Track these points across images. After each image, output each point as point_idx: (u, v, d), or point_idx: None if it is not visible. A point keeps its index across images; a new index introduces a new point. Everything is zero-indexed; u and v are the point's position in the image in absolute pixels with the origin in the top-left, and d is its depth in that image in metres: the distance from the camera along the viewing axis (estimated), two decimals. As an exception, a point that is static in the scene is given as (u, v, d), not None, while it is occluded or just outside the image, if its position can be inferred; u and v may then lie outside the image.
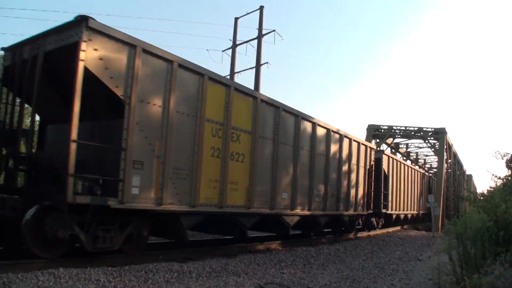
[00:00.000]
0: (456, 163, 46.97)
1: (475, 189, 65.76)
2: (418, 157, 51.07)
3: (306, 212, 14.00)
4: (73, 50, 7.47)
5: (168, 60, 9.02)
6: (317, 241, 15.85)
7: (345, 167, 16.79)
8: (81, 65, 7.39)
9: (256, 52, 28.38)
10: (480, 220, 6.79)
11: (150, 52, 8.63)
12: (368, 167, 19.26)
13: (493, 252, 6.47)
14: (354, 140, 17.58)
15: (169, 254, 9.71)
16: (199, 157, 9.62)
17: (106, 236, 8.12)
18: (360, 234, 19.87)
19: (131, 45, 8.25)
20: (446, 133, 37.13)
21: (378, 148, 25.64)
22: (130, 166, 8.07)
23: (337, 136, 16.14)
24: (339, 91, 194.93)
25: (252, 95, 11.69)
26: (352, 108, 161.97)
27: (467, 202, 26.00)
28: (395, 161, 25.02)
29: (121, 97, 8.03)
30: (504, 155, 10.12)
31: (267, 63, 28.78)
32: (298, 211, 13.48)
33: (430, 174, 44.16)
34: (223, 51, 30.97)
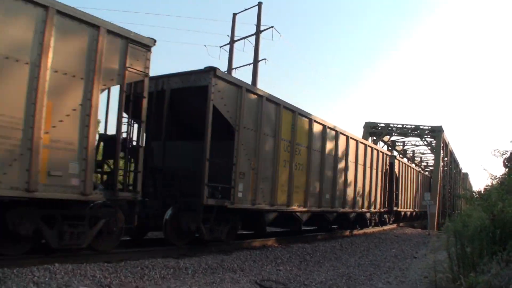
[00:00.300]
0: (453, 161, 47.12)
1: (471, 187, 65.96)
2: (415, 155, 51.18)
3: (340, 210, 16.92)
4: (201, 91, 10.29)
5: (259, 95, 12.05)
6: (313, 238, 15.91)
7: (368, 172, 20.06)
8: (210, 104, 10.21)
9: (254, 48, 28.30)
10: (479, 219, 6.80)
11: (250, 90, 11.77)
12: (384, 170, 22.78)
13: (490, 250, 6.47)
14: (375, 149, 21.65)
15: (165, 251, 9.70)
16: (277, 168, 12.63)
17: (219, 229, 10.97)
18: (356, 232, 19.92)
19: (239, 87, 11.20)
20: (443, 131, 37.23)
21: (391, 154, 26.76)
22: (238, 176, 11.05)
23: (364, 146, 19.79)
24: (338, 88, 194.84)
25: (308, 117, 14.56)
26: (350, 106, 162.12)
27: (463, 200, 26.09)
28: (403, 165, 29.00)
29: (232, 125, 10.94)
30: (503, 153, 10.12)
31: (265, 59, 28.74)
32: (335, 209, 16.50)
33: (426, 172, 44.30)
34: (221, 47, 30.87)
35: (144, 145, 9.36)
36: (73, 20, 7.60)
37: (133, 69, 8.68)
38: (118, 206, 8.60)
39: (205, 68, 10.42)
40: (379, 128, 38.83)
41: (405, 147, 47.05)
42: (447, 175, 42.86)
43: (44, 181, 7.06)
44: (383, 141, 39.73)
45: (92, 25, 7.86)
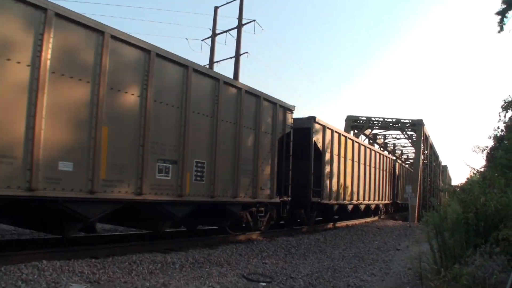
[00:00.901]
0: (433, 154, 47.72)
1: (450, 179, 67.08)
2: (396, 148, 51.72)
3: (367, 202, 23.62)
4: (307, 131, 16.08)
5: (330, 129, 17.86)
6: (297, 231, 16.04)
7: (378, 173, 25.66)
8: (312, 140, 16.21)
9: (236, 41, 28.24)
10: (454, 212, 6.99)
11: (329, 128, 17.64)
12: (389, 171, 25.90)
13: (473, 242, 6.63)
14: (387, 157, 29.22)
15: (152, 246, 9.70)
16: (341, 177, 19.13)
17: (313, 216, 17.00)
18: (339, 224, 20.12)
19: (324, 126, 17.11)
20: (424, 124, 37.68)
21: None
22: (325, 181, 17.15)
23: (383, 157, 27.38)
24: (318, 83, 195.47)
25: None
26: (326, 99, 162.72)
27: (442, 193, 26.48)
28: (400, 165, 29.13)
29: (322, 151, 16.93)
30: (483, 149, 10.35)
31: (246, 53, 28.71)
32: (369, 201, 24.43)
33: (406, 165, 44.76)
34: (202, 40, 30.68)
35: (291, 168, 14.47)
36: (268, 101, 13.27)
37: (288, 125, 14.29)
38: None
39: (309, 117, 16.33)
40: (361, 121, 39.14)
41: (386, 140, 47.54)
42: (427, 168, 43.43)
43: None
44: (364, 134, 40.07)
45: (273, 103, 13.43)
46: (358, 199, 21.53)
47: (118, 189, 8.23)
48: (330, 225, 19.35)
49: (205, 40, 30.46)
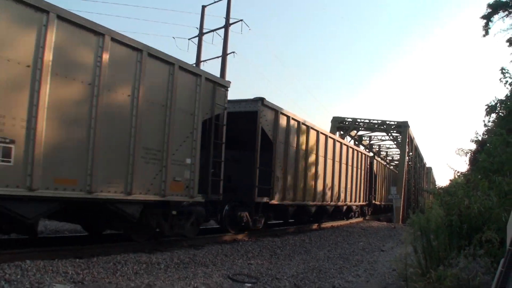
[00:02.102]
0: (417, 156, 48.11)
1: (434, 181, 67.67)
2: (381, 149, 52.07)
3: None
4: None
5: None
6: (282, 231, 16.07)
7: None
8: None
9: (222, 41, 28.21)
10: (439, 215, 7.07)
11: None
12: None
13: (457, 245, 6.69)
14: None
15: (136, 245, 9.64)
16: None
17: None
18: (324, 225, 20.20)
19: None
20: (409, 126, 37.97)
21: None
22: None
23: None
24: (306, 83, 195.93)
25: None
26: (315, 102, 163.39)
27: (427, 194, 26.73)
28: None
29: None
30: (466, 153, 10.46)
31: (233, 52, 28.68)
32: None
33: (391, 167, 45.09)
34: (189, 39, 30.56)
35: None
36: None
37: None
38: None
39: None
40: (346, 123, 39.35)
41: (371, 142, 47.84)
42: (412, 170, 43.79)
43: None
44: (350, 135, 40.27)
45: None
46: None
47: None
48: (315, 225, 19.40)
49: (192, 39, 30.40)
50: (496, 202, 6.72)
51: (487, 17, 19.42)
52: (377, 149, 51.10)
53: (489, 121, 11.59)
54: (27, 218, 7.21)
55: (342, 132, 38.65)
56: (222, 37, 28.39)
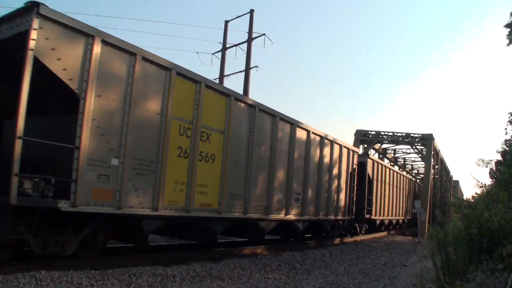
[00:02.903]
0: (443, 169, 47.25)
1: (462, 195, 66.29)
2: (406, 162, 51.33)
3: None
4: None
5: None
6: (303, 245, 15.89)
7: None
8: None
9: (245, 55, 28.33)
10: (456, 228, 6.88)
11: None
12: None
13: (477, 259, 6.50)
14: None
15: (153, 258, 9.64)
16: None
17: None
18: (346, 239, 19.92)
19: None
20: (433, 139, 37.37)
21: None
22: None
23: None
24: (328, 97, 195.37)
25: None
26: (340, 114, 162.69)
27: (452, 208, 26.20)
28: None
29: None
30: (487, 163, 10.18)
31: (256, 66, 28.77)
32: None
33: (417, 180, 44.40)
34: (213, 54, 30.81)
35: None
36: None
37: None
38: None
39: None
40: (370, 136, 38.96)
41: (396, 155, 47.20)
42: (438, 183, 43.00)
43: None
44: (374, 148, 39.84)
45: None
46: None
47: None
48: (337, 240, 19.10)
49: (215, 54, 30.63)
50: (517, 215, 6.51)
51: (511, 26, 19.12)
52: (402, 163, 50.39)
53: None
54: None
55: (365, 145, 38.30)
56: (245, 51, 28.55)
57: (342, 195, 18.29)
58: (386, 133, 38.88)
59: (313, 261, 12.64)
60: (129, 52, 8.42)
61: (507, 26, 19.08)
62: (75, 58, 7.55)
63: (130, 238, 9.94)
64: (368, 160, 22.67)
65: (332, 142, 17.18)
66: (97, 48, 7.81)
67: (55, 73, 7.24)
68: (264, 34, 28.65)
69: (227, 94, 11.10)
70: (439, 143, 44.47)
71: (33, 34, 6.91)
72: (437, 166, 41.95)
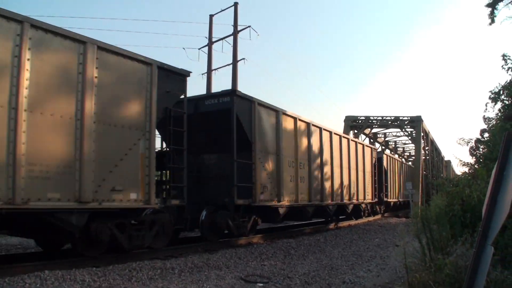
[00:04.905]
0: (434, 150, 47.79)
1: (454, 174, 66.94)
2: (397, 146, 51.82)
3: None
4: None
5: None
6: (298, 232, 16.25)
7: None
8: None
9: (232, 48, 28.52)
10: (437, 207, 7.21)
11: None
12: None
13: (460, 234, 6.81)
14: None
15: (152, 253, 9.93)
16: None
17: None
18: (341, 224, 20.31)
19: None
20: (422, 121, 37.82)
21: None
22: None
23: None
24: (315, 86, 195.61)
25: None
26: (328, 102, 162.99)
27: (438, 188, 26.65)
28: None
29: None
30: (468, 142, 10.50)
31: (243, 59, 29.02)
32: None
33: (410, 163, 44.91)
34: (199, 49, 31.04)
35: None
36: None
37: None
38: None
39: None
40: (360, 121, 39.32)
41: (387, 139, 47.65)
42: (429, 164, 43.51)
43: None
44: (364, 133, 40.24)
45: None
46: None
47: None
48: (332, 225, 19.53)
49: (202, 49, 30.79)
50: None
51: (492, 5, 19.35)
52: (393, 146, 50.86)
53: (492, 109, 11.50)
54: None
55: (356, 131, 38.65)
56: (232, 44, 28.73)
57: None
58: (375, 118, 39.27)
59: (308, 246, 12.98)
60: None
61: (488, 5, 19.31)
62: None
63: None
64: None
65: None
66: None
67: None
68: (249, 26, 28.90)
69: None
70: (429, 125, 44.98)
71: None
72: (427, 148, 42.45)
